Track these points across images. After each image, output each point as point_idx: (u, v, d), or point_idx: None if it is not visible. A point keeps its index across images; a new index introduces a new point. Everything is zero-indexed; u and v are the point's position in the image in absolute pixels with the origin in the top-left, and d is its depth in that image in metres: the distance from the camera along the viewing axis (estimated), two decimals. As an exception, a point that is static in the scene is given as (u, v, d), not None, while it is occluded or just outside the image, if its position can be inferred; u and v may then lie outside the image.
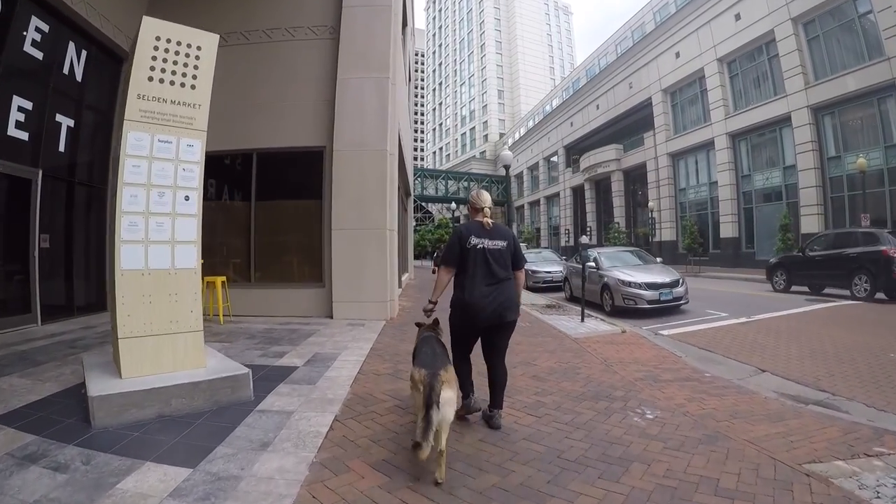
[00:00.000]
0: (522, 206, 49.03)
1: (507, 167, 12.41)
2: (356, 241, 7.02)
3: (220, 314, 6.58)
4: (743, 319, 7.56)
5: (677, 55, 26.09)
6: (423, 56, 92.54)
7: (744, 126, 22.04)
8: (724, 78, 23.35)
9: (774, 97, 20.48)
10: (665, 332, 6.73)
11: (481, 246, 2.92)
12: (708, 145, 24.23)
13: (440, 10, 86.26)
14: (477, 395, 3.13)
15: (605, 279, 8.89)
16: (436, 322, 3.11)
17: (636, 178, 31.34)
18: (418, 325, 3.21)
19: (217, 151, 7.49)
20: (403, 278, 14.03)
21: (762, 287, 12.82)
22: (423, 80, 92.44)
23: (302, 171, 7.80)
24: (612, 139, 33.41)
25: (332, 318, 7.03)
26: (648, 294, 8.17)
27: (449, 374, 2.44)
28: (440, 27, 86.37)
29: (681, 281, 8.56)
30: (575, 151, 38.79)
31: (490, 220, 3.02)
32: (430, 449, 2.16)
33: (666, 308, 8.33)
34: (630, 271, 8.82)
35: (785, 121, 19.96)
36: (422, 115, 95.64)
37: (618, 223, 31.42)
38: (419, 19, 77.78)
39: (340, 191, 7.08)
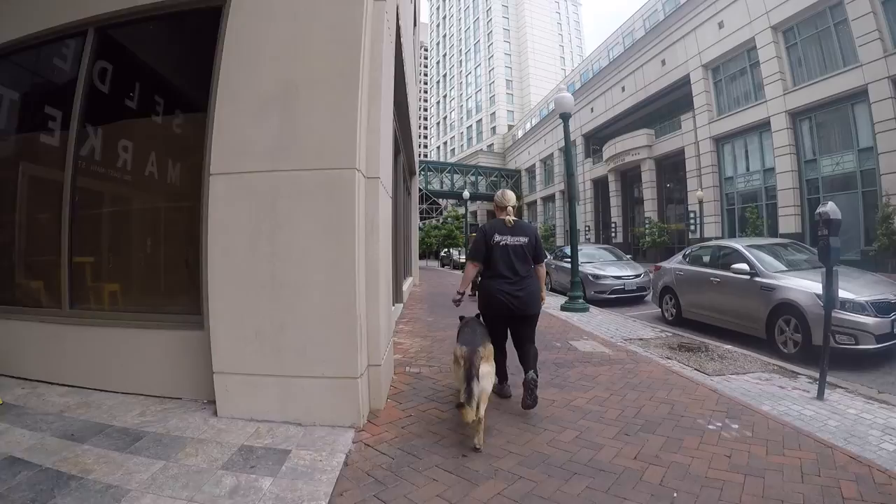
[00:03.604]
0: (535, 201, 45.13)
1: (564, 116, 8.09)
2: (273, 201, 2.80)
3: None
4: None
5: (720, 25, 22.77)
6: (426, 49, 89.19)
7: (806, 103, 18.74)
8: (780, 48, 20.02)
9: (844, 68, 17.28)
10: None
11: (504, 243, 3.17)
12: (761, 126, 20.89)
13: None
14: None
15: (782, 296, 5.01)
16: (478, 315, 3.30)
17: (670, 166, 27.83)
18: (461, 318, 3.36)
19: (10, 42, 3.76)
20: (405, 287, 10.00)
21: None
22: (426, 73, 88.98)
23: (179, 56, 3.81)
24: (641, 124, 30.05)
25: (215, 411, 2.87)
26: (876, 324, 4.34)
27: (487, 351, 2.74)
28: (444, 17, 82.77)
29: None
30: (595, 140, 35.31)
31: (512, 219, 3.25)
32: (473, 414, 2.47)
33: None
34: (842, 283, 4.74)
35: (859, 95, 16.83)
36: (425, 109, 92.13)
37: (649, 217, 27.82)
38: (422, 13, 74.26)
39: (242, 76, 2.90)
